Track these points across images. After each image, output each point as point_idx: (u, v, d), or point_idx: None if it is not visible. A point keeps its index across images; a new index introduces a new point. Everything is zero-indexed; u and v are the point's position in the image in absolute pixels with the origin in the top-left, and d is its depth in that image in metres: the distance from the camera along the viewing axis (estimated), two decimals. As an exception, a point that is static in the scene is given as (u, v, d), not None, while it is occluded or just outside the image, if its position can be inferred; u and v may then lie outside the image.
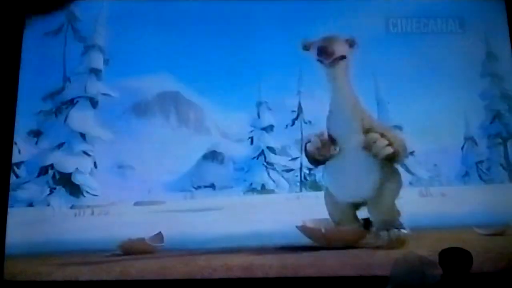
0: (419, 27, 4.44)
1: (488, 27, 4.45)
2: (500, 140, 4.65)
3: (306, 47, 3.54)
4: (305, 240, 3.59)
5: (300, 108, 4.51)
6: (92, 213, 4.04)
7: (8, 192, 3.80)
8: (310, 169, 4.26)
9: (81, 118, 4.43)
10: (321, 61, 3.53)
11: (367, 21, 4.39)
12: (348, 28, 4.12)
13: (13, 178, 3.99)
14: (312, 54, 3.55)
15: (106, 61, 4.53)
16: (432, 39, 4.42)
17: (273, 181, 4.42)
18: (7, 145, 3.87)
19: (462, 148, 4.49)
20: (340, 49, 3.50)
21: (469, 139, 4.60)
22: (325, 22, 4.33)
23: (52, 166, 4.27)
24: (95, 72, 4.57)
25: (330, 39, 3.49)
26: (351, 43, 3.56)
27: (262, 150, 4.73)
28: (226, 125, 4.52)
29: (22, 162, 4.15)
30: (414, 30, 4.43)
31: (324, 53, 3.43)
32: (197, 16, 4.45)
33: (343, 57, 3.52)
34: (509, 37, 4.33)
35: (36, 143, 4.26)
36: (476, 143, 4.55)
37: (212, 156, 4.59)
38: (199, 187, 4.44)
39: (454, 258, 2.37)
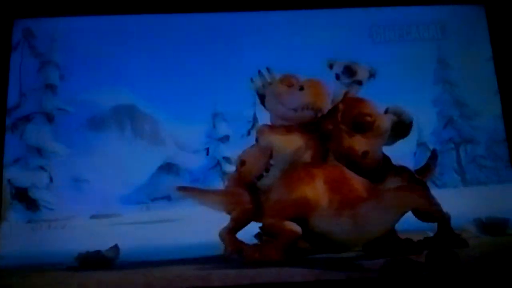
0: (401, 34, 4.52)
1: (471, 32, 4.50)
2: (452, 145, 4.74)
3: (331, 65, 3.61)
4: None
5: (255, 118, 4.56)
6: (49, 227, 4.05)
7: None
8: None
9: (37, 133, 4.44)
10: (339, 79, 3.59)
11: (351, 30, 4.47)
12: (331, 38, 4.24)
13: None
14: (334, 70, 3.61)
15: (61, 77, 4.55)
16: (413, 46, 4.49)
17: (229, 191, 4.44)
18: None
19: (414, 154, 4.57)
20: (361, 74, 3.58)
21: (422, 145, 4.69)
22: (302, 33, 4.43)
23: (8, 181, 4.26)
24: (51, 87, 4.59)
25: (356, 63, 3.58)
26: (372, 74, 3.63)
27: (218, 161, 4.77)
28: (181, 137, 4.56)
29: (-22, 178, 4.15)
30: (397, 38, 4.50)
31: (349, 71, 3.51)
32: (151, 29, 4.50)
33: (359, 83, 3.59)
34: (490, 41, 4.39)
35: (-7, 158, 4.27)
36: (428, 149, 4.63)
37: (168, 167, 4.62)
38: (155, 199, 4.48)
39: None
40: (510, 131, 4.14)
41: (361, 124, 3.47)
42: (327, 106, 3.52)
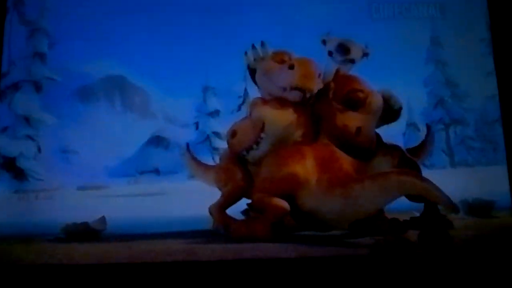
0: (401, 12, 4.48)
1: (468, 12, 4.48)
2: (442, 126, 4.76)
3: (324, 42, 3.55)
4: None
5: (246, 93, 4.53)
6: (36, 198, 4.04)
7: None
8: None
9: (25, 102, 4.41)
10: (332, 55, 3.54)
11: (351, 6, 4.43)
12: (331, 14, 4.20)
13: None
14: (327, 47, 3.55)
15: (51, 45, 4.50)
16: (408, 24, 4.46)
17: (218, 166, 4.44)
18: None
19: (403, 134, 4.58)
20: (355, 52, 3.53)
21: (411, 125, 4.70)
22: (298, 7, 4.38)
23: (-4, 150, 4.25)
24: (40, 56, 4.55)
25: (349, 40, 3.48)
26: (365, 53, 3.58)
27: (208, 135, 4.77)
28: (171, 110, 4.54)
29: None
30: (397, 15, 4.47)
31: (342, 49, 3.45)
32: (143, 1, 4.44)
33: (352, 61, 3.55)
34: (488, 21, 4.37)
35: (-20, 127, 4.24)
36: (418, 129, 4.64)
37: (157, 141, 4.62)
38: (143, 172, 4.48)
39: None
40: (505, 112, 4.14)
41: (354, 100, 3.44)
42: (316, 86, 3.48)
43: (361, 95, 3.36)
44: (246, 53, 3.54)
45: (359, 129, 3.31)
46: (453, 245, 3.07)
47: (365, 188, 3.04)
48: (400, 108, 3.46)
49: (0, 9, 4.25)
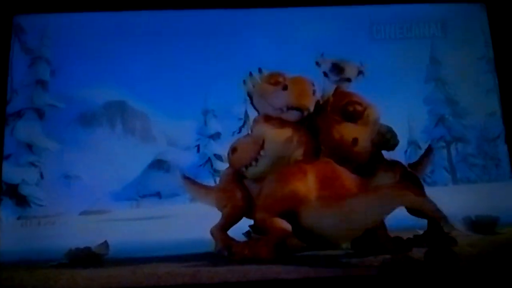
0: (402, 32, 4.52)
1: (468, 31, 4.51)
2: (443, 144, 4.76)
3: (318, 63, 3.60)
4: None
5: (246, 115, 4.55)
6: (39, 224, 4.05)
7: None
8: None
9: (28, 129, 4.43)
10: (327, 76, 3.58)
11: (351, 27, 4.47)
12: (331, 35, 4.24)
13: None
14: (322, 68, 3.60)
15: (52, 72, 4.54)
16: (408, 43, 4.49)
17: (219, 188, 4.44)
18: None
19: (405, 153, 4.57)
20: (350, 71, 3.57)
21: (413, 143, 4.70)
22: (297, 30, 4.43)
23: (-2, 178, 4.26)
24: (42, 83, 4.59)
25: (344, 60, 3.56)
26: (360, 71, 3.62)
27: (209, 158, 4.77)
28: (172, 134, 4.56)
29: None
30: (398, 35, 4.51)
31: (336, 69, 3.49)
32: (142, 26, 4.50)
33: (348, 80, 3.59)
34: (491, 39, 4.41)
35: (-17, 155, 4.26)
36: (419, 147, 4.64)
37: (158, 164, 4.62)
38: (144, 195, 4.47)
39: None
40: (509, 130, 4.14)
41: (351, 112, 3.47)
42: (312, 102, 3.51)
43: (358, 107, 3.41)
44: (244, 81, 3.58)
45: (355, 139, 3.35)
46: (459, 263, 3.06)
47: (360, 202, 3.06)
48: (396, 145, 3.48)
49: (4, 38, 4.30)
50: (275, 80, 3.57)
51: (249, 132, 3.64)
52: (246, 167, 3.48)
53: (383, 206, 3.17)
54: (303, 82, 3.53)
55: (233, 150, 3.59)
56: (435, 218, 3.08)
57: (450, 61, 4.64)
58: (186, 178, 3.88)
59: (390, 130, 3.54)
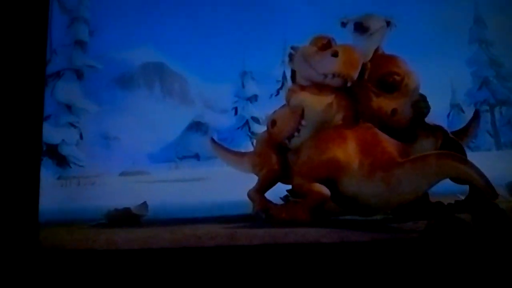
0: None
1: None
2: (487, 107, 4.64)
3: (343, 24, 3.51)
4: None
5: (284, 77, 4.50)
6: (79, 184, 4.11)
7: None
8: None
9: (67, 90, 4.48)
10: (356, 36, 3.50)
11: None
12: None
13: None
14: (348, 28, 3.52)
15: (91, 33, 4.56)
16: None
17: (258, 151, 4.42)
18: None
19: (448, 116, 4.48)
20: (375, 26, 3.47)
21: (456, 106, 4.59)
22: None
23: (39, 137, 4.31)
24: (81, 44, 4.61)
25: (367, 16, 3.42)
26: (388, 22, 3.51)
27: (247, 120, 4.75)
28: (210, 96, 4.55)
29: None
30: None
31: (359, 28, 3.41)
32: (180, -12, 4.45)
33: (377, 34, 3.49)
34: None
35: (23, 115, 4.30)
36: (462, 110, 4.54)
37: (196, 126, 4.63)
38: (183, 157, 4.50)
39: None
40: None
41: (389, 83, 3.38)
42: (357, 74, 3.42)
43: (397, 78, 3.31)
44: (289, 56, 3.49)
45: (394, 110, 3.26)
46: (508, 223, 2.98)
47: (406, 172, 2.98)
48: (427, 113, 3.38)
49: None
50: (322, 44, 3.48)
51: (286, 102, 3.55)
52: (289, 138, 3.42)
53: (428, 177, 3.10)
54: (354, 51, 3.42)
55: (272, 122, 3.52)
56: (480, 186, 2.99)
57: (495, 22, 4.48)
58: (215, 143, 3.86)
59: (423, 99, 3.44)
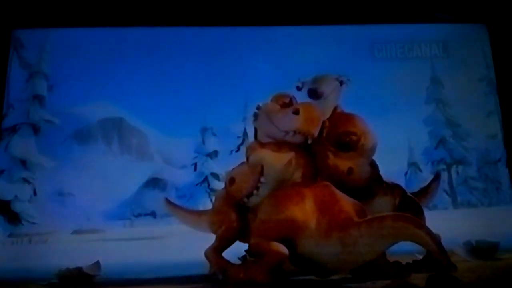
0: (403, 52, 4.50)
1: (469, 51, 4.49)
2: (444, 166, 4.70)
3: (298, 88, 3.54)
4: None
5: (245, 134, 4.50)
6: (30, 241, 3.99)
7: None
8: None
9: (22, 145, 4.39)
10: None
11: (353, 46, 4.45)
12: (332, 54, 4.20)
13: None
14: (303, 92, 3.55)
15: (50, 88, 4.51)
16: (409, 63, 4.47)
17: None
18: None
19: (405, 174, 4.52)
20: (329, 88, 3.51)
21: (413, 164, 4.64)
22: (301, 51, 4.40)
23: (-10, 193, 4.21)
24: (39, 98, 4.55)
25: (319, 78, 3.46)
26: (341, 82, 3.56)
27: (206, 177, 4.71)
28: (170, 151, 4.51)
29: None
30: (399, 55, 4.49)
31: (314, 95, 3.44)
32: (140, 43, 4.47)
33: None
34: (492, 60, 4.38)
35: (-24, 171, 4.21)
36: (420, 169, 4.59)
37: (154, 183, 4.56)
38: (139, 215, 4.41)
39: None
40: (510, 153, 4.10)
41: (346, 142, 3.41)
42: (318, 131, 3.45)
43: (353, 137, 3.35)
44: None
45: (350, 169, 3.28)
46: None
47: (362, 233, 2.97)
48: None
49: (3, 52, 4.27)
50: (283, 102, 3.50)
51: (245, 160, 3.54)
52: (248, 197, 3.39)
53: (384, 238, 3.09)
54: (313, 109, 3.46)
55: (231, 180, 3.49)
56: (434, 253, 3.00)
57: (451, 82, 4.61)
58: (171, 203, 3.81)
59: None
